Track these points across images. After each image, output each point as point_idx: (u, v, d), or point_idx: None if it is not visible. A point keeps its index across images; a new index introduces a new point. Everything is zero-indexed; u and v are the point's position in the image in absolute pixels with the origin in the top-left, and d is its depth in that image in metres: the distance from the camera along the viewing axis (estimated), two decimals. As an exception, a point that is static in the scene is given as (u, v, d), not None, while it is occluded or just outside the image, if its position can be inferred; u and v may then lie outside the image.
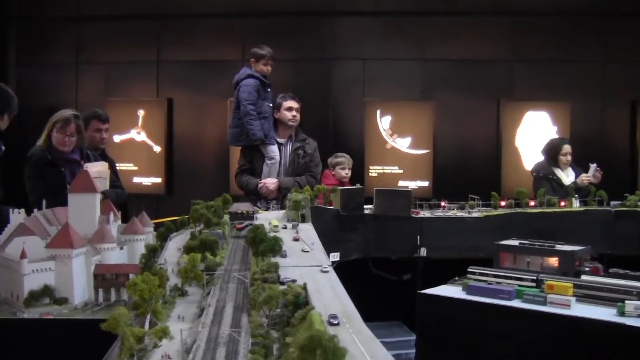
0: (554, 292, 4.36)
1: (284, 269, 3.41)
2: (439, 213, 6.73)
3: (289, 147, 7.69)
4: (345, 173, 8.74)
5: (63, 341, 3.39)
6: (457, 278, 4.95)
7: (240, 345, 2.31)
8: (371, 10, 11.02)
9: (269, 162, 7.52)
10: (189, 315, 2.90)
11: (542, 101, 10.85)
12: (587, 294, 4.43)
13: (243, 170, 7.66)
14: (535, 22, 10.94)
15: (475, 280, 4.83)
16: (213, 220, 4.55)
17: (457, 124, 10.94)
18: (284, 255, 3.82)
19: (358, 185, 6.65)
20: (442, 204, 6.87)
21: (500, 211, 6.82)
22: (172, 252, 4.11)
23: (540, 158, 8.82)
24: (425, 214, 6.65)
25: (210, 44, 11.13)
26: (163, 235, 4.55)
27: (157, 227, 4.71)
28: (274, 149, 7.56)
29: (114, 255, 3.93)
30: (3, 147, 5.58)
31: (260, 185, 7.42)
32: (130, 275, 3.36)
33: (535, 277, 4.66)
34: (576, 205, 7.22)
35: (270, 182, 7.41)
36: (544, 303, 4.32)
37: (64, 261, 3.63)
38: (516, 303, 4.43)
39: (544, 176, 8.38)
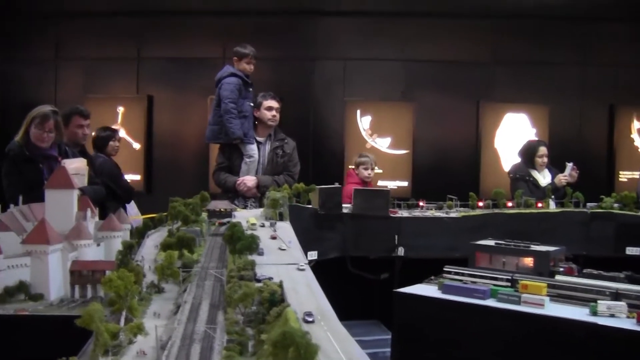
0: (528, 292, 4.40)
1: (261, 266, 3.41)
2: (417, 213, 6.75)
3: (267, 146, 7.67)
4: (368, 173, 8.73)
5: (38, 338, 3.35)
6: (433, 277, 4.98)
7: (216, 342, 2.32)
8: (353, 11, 11.05)
9: (247, 160, 7.50)
10: (165, 312, 2.89)
11: (521, 103, 10.98)
12: (560, 294, 4.49)
13: (221, 167, 7.64)
14: (515, 24, 11.02)
15: (450, 279, 4.87)
16: (191, 217, 4.55)
17: (436, 125, 11.02)
18: (261, 253, 3.81)
19: (337, 185, 6.68)
20: (421, 203, 6.89)
21: (477, 212, 6.86)
22: (150, 249, 4.10)
23: (518, 160, 8.90)
24: (404, 213, 6.67)
25: (191, 42, 11.09)
26: (140, 232, 4.55)
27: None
28: (253, 148, 7.55)
29: (91, 252, 3.89)
30: None
31: (238, 182, 7.40)
32: (107, 272, 3.35)
33: (510, 277, 4.70)
34: (553, 206, 7.29)
35: (249, 180, 7.40)
36: (518, 302, 4.36)
37: (40, 257, 3.58)
38: (491, 302, 4.46)
39: (520, 177, 8.43)
